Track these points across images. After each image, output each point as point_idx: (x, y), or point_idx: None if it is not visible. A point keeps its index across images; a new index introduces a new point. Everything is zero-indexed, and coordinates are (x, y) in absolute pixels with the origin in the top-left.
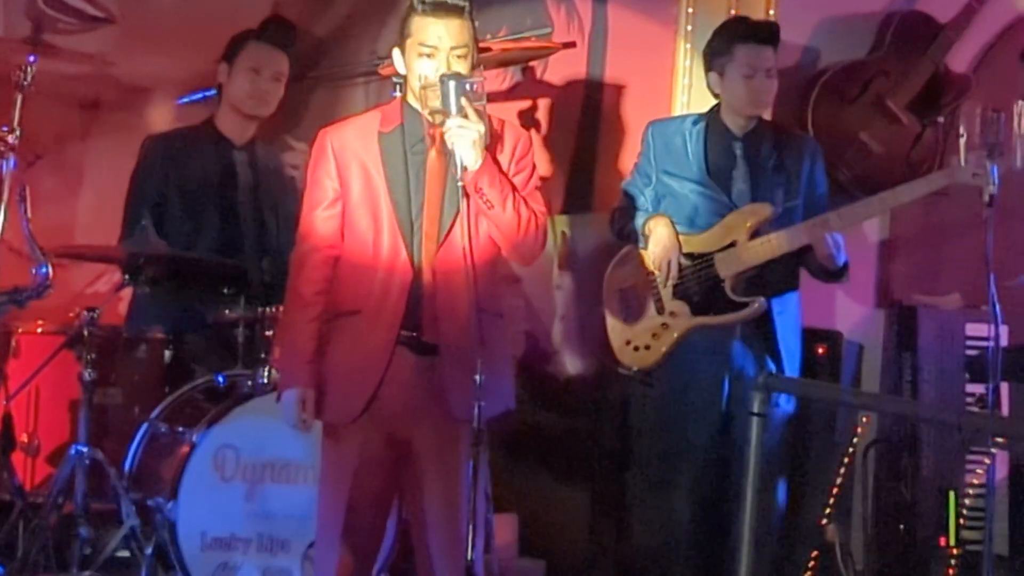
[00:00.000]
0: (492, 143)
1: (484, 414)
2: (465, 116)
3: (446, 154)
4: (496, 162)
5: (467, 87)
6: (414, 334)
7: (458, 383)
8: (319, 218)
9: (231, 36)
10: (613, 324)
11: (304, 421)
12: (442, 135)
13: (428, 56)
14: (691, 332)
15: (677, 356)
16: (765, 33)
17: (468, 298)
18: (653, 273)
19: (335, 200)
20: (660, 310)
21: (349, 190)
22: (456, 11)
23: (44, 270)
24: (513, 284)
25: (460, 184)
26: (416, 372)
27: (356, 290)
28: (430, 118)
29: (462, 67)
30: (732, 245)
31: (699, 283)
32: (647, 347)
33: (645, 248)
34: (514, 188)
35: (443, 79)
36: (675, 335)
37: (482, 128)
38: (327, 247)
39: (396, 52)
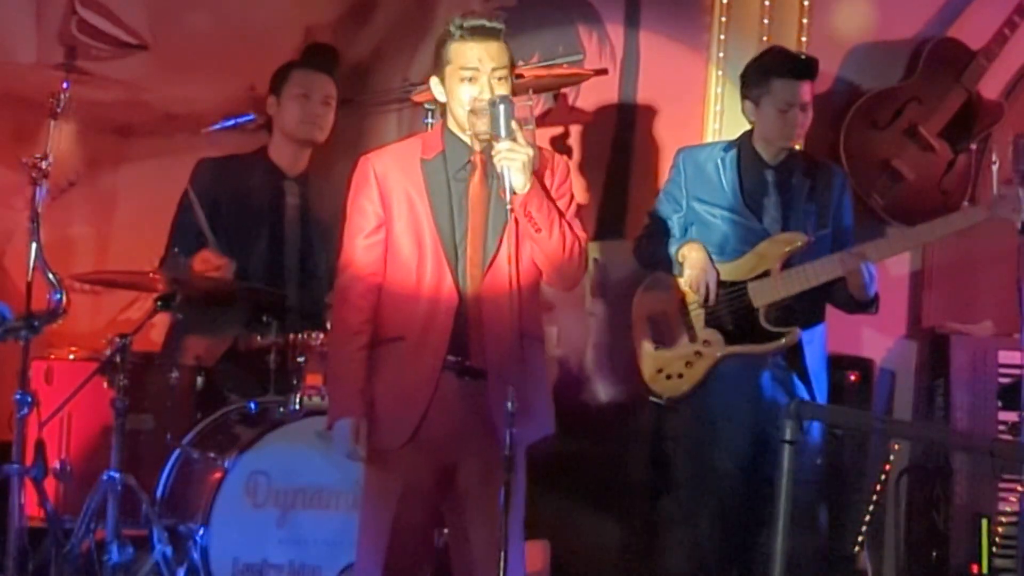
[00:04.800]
0: (540, 168)
1: (525, 439)
2: (514, 140)
3: (488, 180)
4: (544, 186)
5: (516, 111)
6: (459, 359)
7: (504, 408)
8: (362, 245)
9: (275, 69)
10: (644, 352)
11: (357, 450)
12: (484, 161)
13: (470, 80)
14: (724, 361)
15: (708, 385)
16: (803, 68)
17: (513, 323)
18: (686, 300)
19: (378, 227)
20: (693, 338)
21: (392, 216)
22: (494, 33)
23: (58, 296)
24: (546, 311)
25: (509, 208)
26: (461, 397)
27: (399, 316)
28: (477, 144)
29: (503, 89)
30: (765, 274)
31: (732, 312)
32: (680, 375)
33: (679, 275)
34: (560, 213)
35: (493, 102)
36: (708, 363)
37: (531, 152)
38: (370, 274)
39: (434, 81)
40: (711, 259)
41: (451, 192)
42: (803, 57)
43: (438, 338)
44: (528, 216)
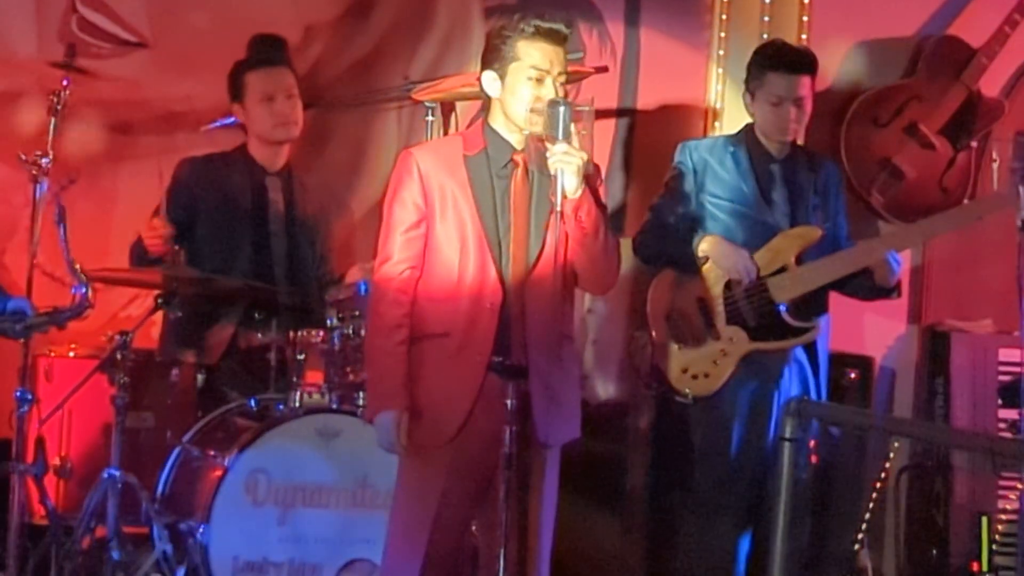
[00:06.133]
0: (593, 174)
1: (559, 440)
2: (570, 143)
3: (530, 178)
4: (594, 192)
5: (575, 114)
6: (502, 358)
7: (544, 407)
8: (403, 239)
9: (227, 76)
10: (668, 352)
11: (399, 444)
12: (526, 159)
13: (538, 80)
14: (746, 357)
15: (731, 382)
16: (795, 62)
17: (555, 322)
18: (704, 299)
19: (420, 221)
20: (717, 336)
21: (434, 211)
22: (564, 38)
23: (83, 290)
24: None
25: (559, 211)
26: (504, 396)
27: (443, 313)
28: (529, 142)
29: (562, 93)
30: (782, 269)
31: (753, 308)
32: (707, 375)
33: (696, 272)
34: (605, 218)
35: (553, 103)
36: (734, 361)
37: (585, 156)
38: (410, 268)
39: (490, 75)
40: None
41: (494, 189)
42: (798, 50)
43: (483, 336)
44: (578, 220)
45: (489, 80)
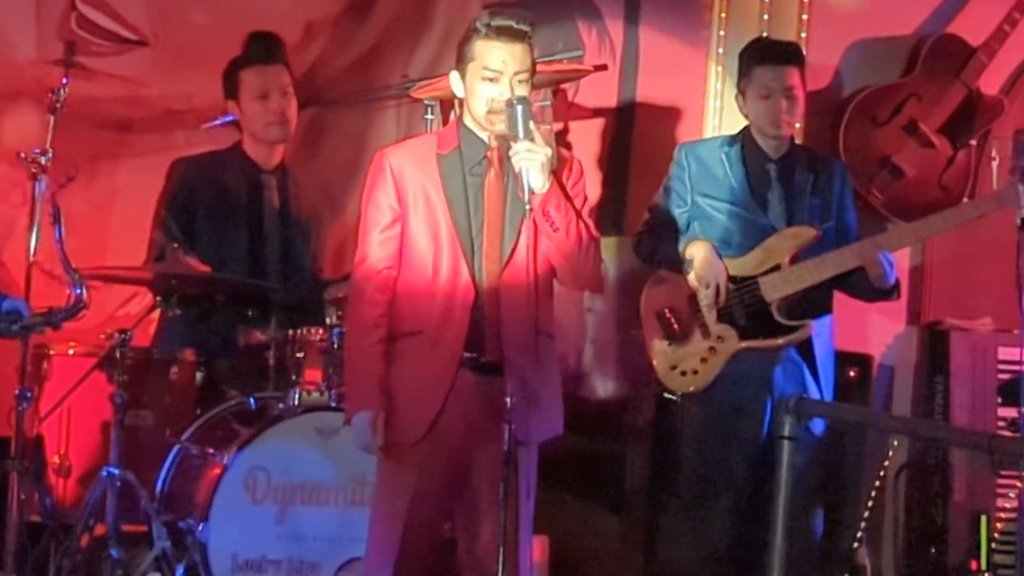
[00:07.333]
0: (559, 167)
1: (538, 436)
2: (532, 140)
3: (504, 175)
4: (562, 186)
5: (534, 111)
6: (475, 355)
7: (521, 404)
8: (378, 240)
9: (222, 73)
10: (656, 348)
11: (375, 444)
12: (500, 157)
13: (492, 80)
14: (736, 356)
15: (721, 380)
16: (780, 53)
17: (530, 319)
18: (696, 296)
19: (394, 221)
20: (706, 334)
21: (408, 210)
22: (520, 36)
23: (79, 291)
24: None
25: (528, 207)
26: (477, 393)
27: (416, 311)
28: (493, 142)
29: (523, 92)
30: (776, 268)
31: (744, 307)
32: (695, 372)
33: (687, 272)
34: (577, 212)
35: (510, 103)
36: (723, 359)
37: (549, 151)
38: (386, 268)
39: (455, 75)
40: (718, 256)
41: (467, 187)
42: (783, 43)
43: (455, 333)
44: (546, 215)
45: (454, 80)
